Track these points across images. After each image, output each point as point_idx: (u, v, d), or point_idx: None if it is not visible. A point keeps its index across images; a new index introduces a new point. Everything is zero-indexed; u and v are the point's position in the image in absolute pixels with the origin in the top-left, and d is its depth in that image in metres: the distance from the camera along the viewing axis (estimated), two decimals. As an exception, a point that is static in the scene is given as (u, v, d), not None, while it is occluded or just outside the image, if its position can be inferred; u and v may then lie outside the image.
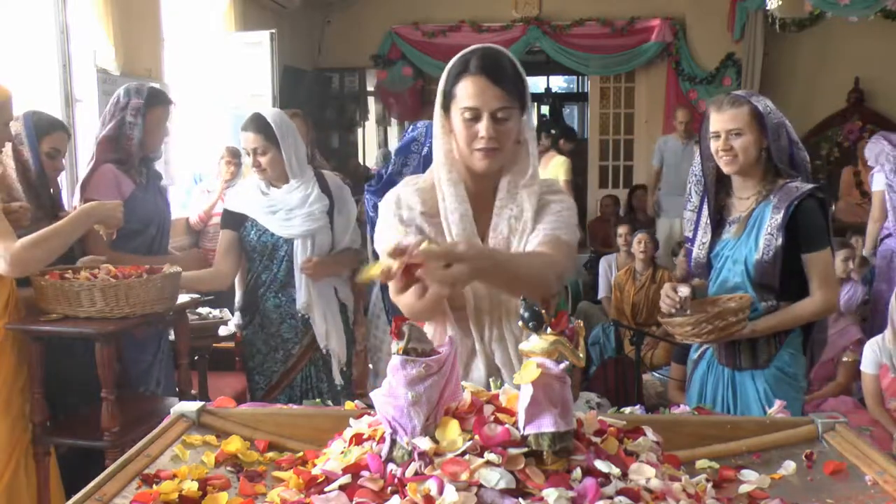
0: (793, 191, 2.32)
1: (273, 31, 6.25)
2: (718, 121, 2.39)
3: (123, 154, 3.03)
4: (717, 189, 2.50)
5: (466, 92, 1.66)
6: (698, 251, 2.53)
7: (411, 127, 3.13)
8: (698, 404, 2.48)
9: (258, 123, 2.98)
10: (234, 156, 5.46)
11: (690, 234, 2.56)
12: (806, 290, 2.37)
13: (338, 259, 3.13)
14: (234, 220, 3.10)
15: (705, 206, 2.51)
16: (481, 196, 1.77)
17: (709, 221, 2.50)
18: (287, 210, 3.00)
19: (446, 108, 1.72)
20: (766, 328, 2.37)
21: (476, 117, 1.66)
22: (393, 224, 1.75)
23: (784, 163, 2.38)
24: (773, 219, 2.32)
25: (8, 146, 2.75)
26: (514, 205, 1.76)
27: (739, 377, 2.45)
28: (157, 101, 3.09)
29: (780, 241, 2.30)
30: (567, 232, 1.75)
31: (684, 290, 2.41)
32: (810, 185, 2.34)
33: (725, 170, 2.41)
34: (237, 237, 3.08)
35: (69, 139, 3.05)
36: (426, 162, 3.54)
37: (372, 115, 9.39)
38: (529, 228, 1.73)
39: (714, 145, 2.40)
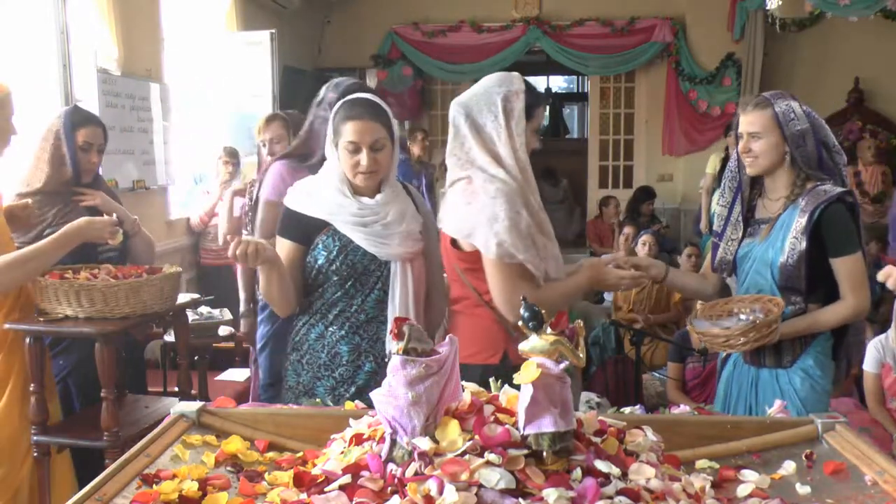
0: (820, 195, 2.29)
1: (273, 31, 6.26)
2: (742, 122, 2.39)
3: (308, 150, 2.87)
4: (752, 188, 2.49)
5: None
6: (725, 247, 2.50)
7: None
8: (724, 404, 2.51)
9: (375, 109, 2.23)
10: (232, 156, 5.45)
11: (719, 230, 2.54)
12: (835, 292, 2.33)
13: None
14: (303, 228, 2.28)
15: (737, 204, 2.49)
16: None
17: (740, 219, 2.47)
18: (383, 224, 2.26)
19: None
20: (794, 332, 2.34)
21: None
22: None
23: (812, 167, 2.35)
24: (797, 222, 2.29)
25: (48, 143, 2.80)
26: None
27: (762, 376, 2.43)
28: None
29: (803, 244, 2.27)
30: None
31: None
32: (838, 190, 2.30)
33: (747, 171, 2.41)
34: (303, 253, 2.29)
35: (104, 133, 2.99)
36: None
37: (372, 115, 9.37)
38: None
39: (739, 146, 2.41)
